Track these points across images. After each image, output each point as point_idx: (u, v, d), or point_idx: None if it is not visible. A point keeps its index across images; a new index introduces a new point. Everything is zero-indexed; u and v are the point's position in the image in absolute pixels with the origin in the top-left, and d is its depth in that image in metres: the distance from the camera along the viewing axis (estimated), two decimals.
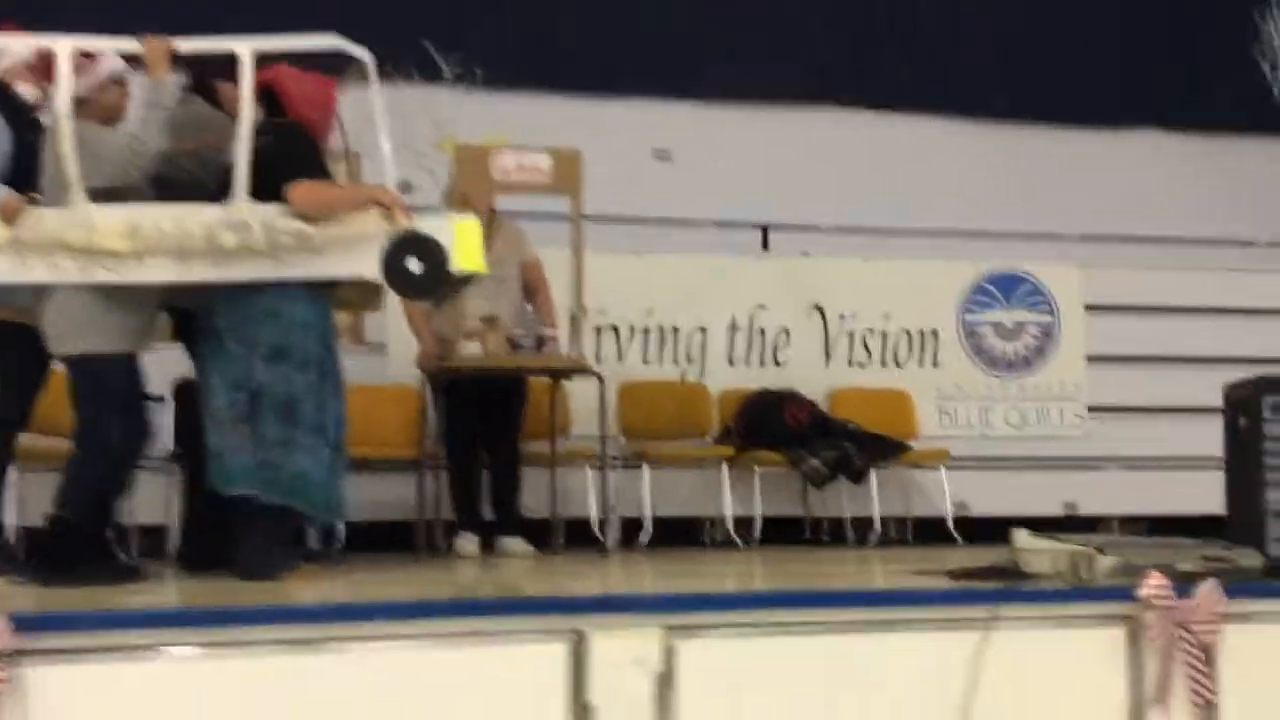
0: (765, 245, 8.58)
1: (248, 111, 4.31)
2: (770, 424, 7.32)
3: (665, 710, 3.11)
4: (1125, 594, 3.43)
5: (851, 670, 3.25)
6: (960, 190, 8.68)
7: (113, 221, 4.14)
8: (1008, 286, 8.25)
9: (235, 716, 2.90)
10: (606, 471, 6.11)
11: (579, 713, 3.05)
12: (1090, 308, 8.27)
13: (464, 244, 4.46)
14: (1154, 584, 3.41)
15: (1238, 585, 3.51)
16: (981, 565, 3.75)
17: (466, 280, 4.71)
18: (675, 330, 7.75)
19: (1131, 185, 9.22)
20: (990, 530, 7.56)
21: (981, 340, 8.20)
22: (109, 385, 4.26)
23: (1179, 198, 9.22)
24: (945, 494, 7.44)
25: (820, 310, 7.97)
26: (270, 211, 4.27)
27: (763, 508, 7.23)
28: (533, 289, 6.25)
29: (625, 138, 8.85)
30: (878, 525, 7.21)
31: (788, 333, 7.92)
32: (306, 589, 4.10)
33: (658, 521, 7.04)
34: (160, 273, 4.20)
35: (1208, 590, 3.44)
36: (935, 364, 8.11)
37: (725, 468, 6.95)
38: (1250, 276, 8.66)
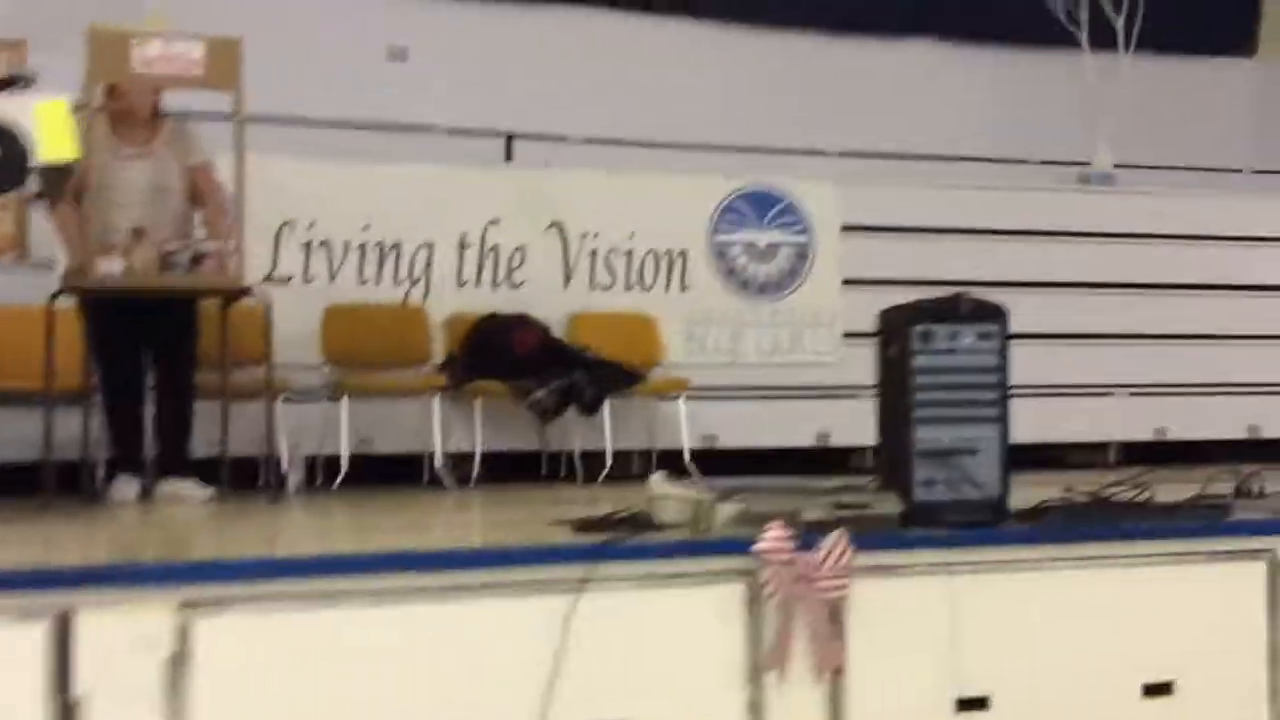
0: (509, 156, 8.13)
1: None
2: (496, 351, 6.91)
3: (178, 701, 2.68)
4: (743, 547, 3.13)
5: (416, 646, 2.88)
6: (718, 101, 8.33)
7: None
8: (761, 205, 7.95)
9: None
10: (272, 405, 5.61)
11: (63, 708, 2.60)
12: (847, 228, 8.04)
13: (49, 129, 3.95)
14: (771, 536, 3.11)
15: (871, 535, 3.24)
16: (607, 514, 3.41)
17: (63, 172, 4.16)
18: (396, 247, 7.26)
19: (902, 99, 9.01)
20: (741, 463, 7.37)
21: (733, 262, 7.90)
22: None
23: (950, 113, 9.05)
24: (682, 426, 7.16)
25: (560, 228, 7.56)
26: None
27: (498, 443, 6.90)
28: (199, 198, 5.68)
29: (356, 35, 8.29)
30: (609, 460, 6.89)
31: (524, 252, 7.49)
32: None
33: (374, 459, 6.63)
34: None
35: (833, 542, 3.15)
36: (684, 287, 7.80)
37: (436, 400, 6.53)
38: (1017, 196, 8.55)
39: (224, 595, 2.73)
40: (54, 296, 5.27)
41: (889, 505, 3.33)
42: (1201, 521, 3.58)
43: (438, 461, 6.48)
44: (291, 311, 6.77)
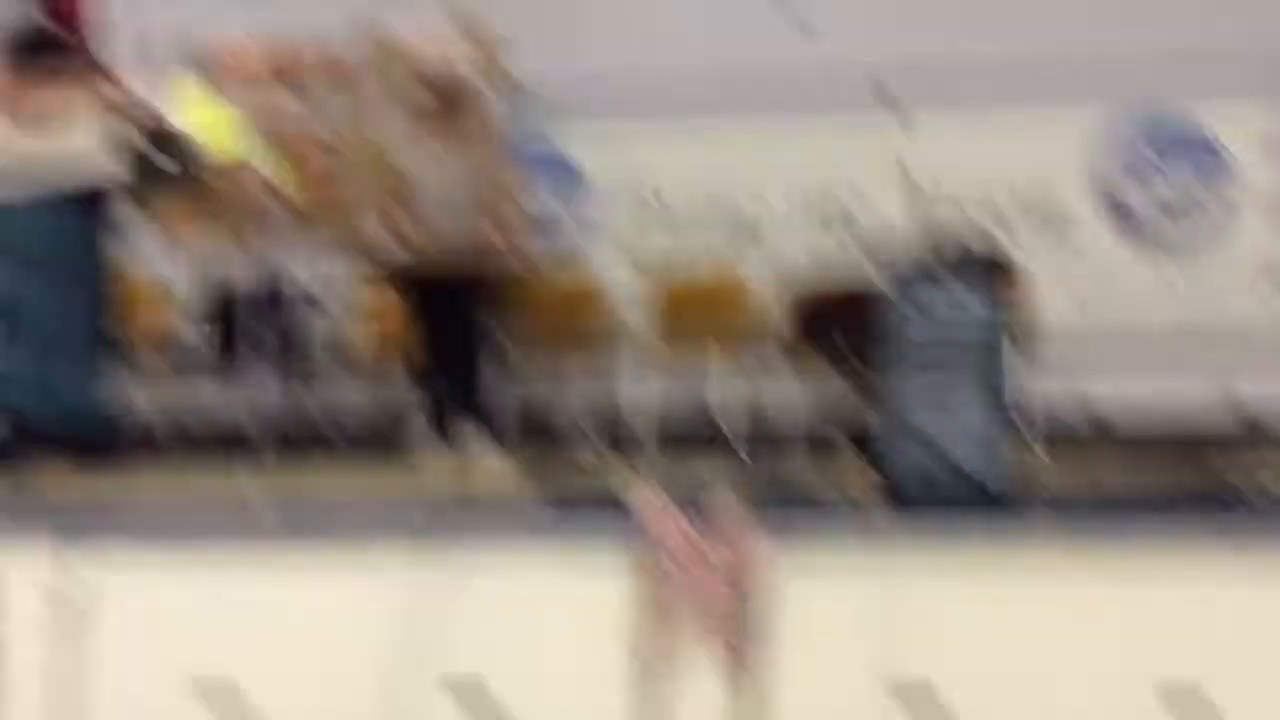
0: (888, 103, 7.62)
1: None
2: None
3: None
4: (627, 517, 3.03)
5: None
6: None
7: None
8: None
9: None
10: None
11: None
12: None
13: (204, 129, 4.55)
14: (653, 506, 2.98)
15: (789, 515, 2.98)
16: None
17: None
18: (740, 209, 7.23)
19: None
20: None
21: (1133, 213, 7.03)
22: None
23: None
24: None
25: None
26: None
27: None
28: (500, 186, 6.09)
29: None
30: None
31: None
32: None
33: None
34: None
35: (731, 518, 2.95)
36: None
37: None
38: None
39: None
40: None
41: (820, 474, 3.05)
42: None
43: None
44: None
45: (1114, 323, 6.81)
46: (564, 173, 7.34)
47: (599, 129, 7.14)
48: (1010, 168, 7.01)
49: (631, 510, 3.00)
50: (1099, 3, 7.03)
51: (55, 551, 3.15)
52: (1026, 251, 6.68)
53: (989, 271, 3.04)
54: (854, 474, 3.18)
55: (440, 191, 5.98)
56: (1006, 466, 3.05)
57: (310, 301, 6.85)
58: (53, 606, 3.12)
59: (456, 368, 6.02)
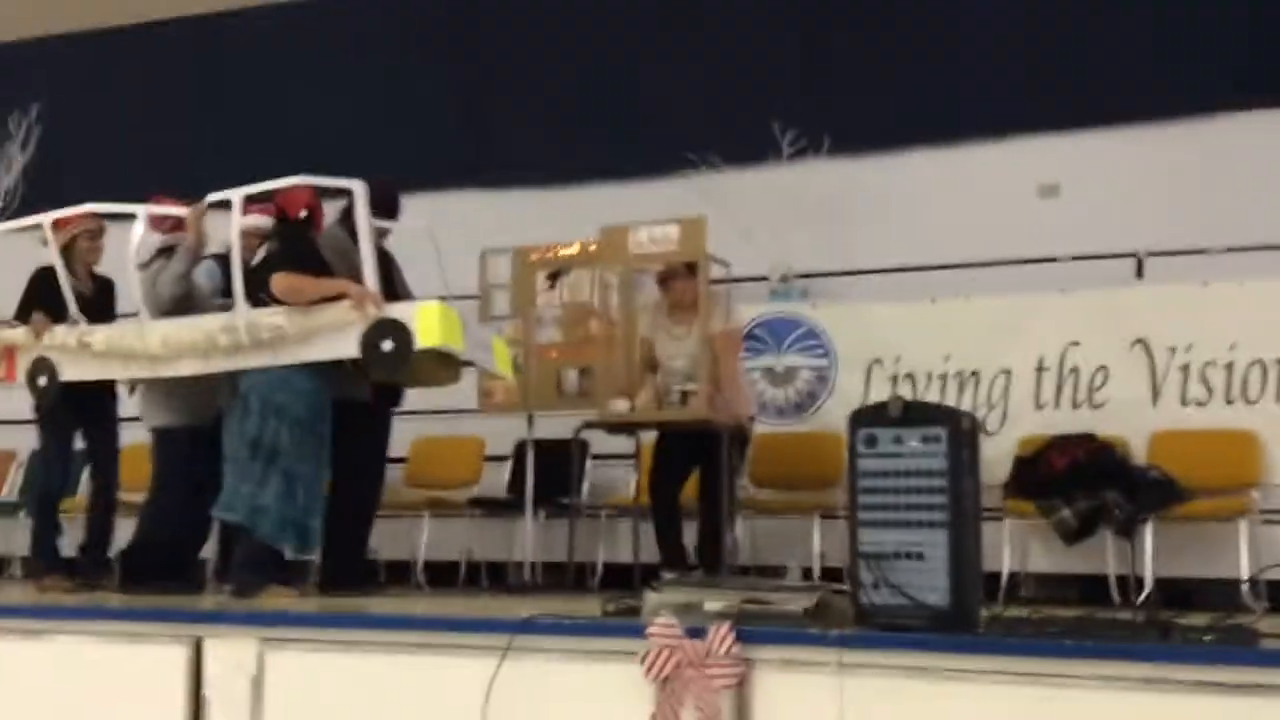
0: (1139, 274, 7.95)
1: (236, 241, 5.78)
2: (1032, 470, 6.98)
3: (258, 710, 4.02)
4: (637, 630, 3.59)
5: (407, 689, 3.88)
6: None
7: (154, 333, 5.91)
8: None
9: None
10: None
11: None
12: None
13: (426, 325, 5.51)
14: (659, 621, 3.53)
15: (768, 631, 3.45)
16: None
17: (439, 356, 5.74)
18: (976, 375, 7.66)
19: None
20: None
21: None
22: (176, 451, 5.99)
23: None
24: (1242, 551, 6.49)
25: (1145, 344, 7.33)
26: (255, 314, 5.64)
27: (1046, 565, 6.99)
28: (717, 356, 6.81)
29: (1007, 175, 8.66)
30: (1148, 584, 6.50)
31: (1106, 371, 7.40)
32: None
33: None
34: (187, 368, 5.83)
35: (717, 631, 3.46)
36: None
37: None
38: None
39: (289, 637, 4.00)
40: (577, 430, 6.91)
41: (797, 603, 3.50)
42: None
43: None
44: None
45: None
46: (815, 342, 8.03)
47: (853, 308, 7.99)
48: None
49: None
50: None
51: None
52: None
53: (942, 421, 3.44)
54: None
55: (674, 358, 6.82)
56: (971, 594, 3.39)
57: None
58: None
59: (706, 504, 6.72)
